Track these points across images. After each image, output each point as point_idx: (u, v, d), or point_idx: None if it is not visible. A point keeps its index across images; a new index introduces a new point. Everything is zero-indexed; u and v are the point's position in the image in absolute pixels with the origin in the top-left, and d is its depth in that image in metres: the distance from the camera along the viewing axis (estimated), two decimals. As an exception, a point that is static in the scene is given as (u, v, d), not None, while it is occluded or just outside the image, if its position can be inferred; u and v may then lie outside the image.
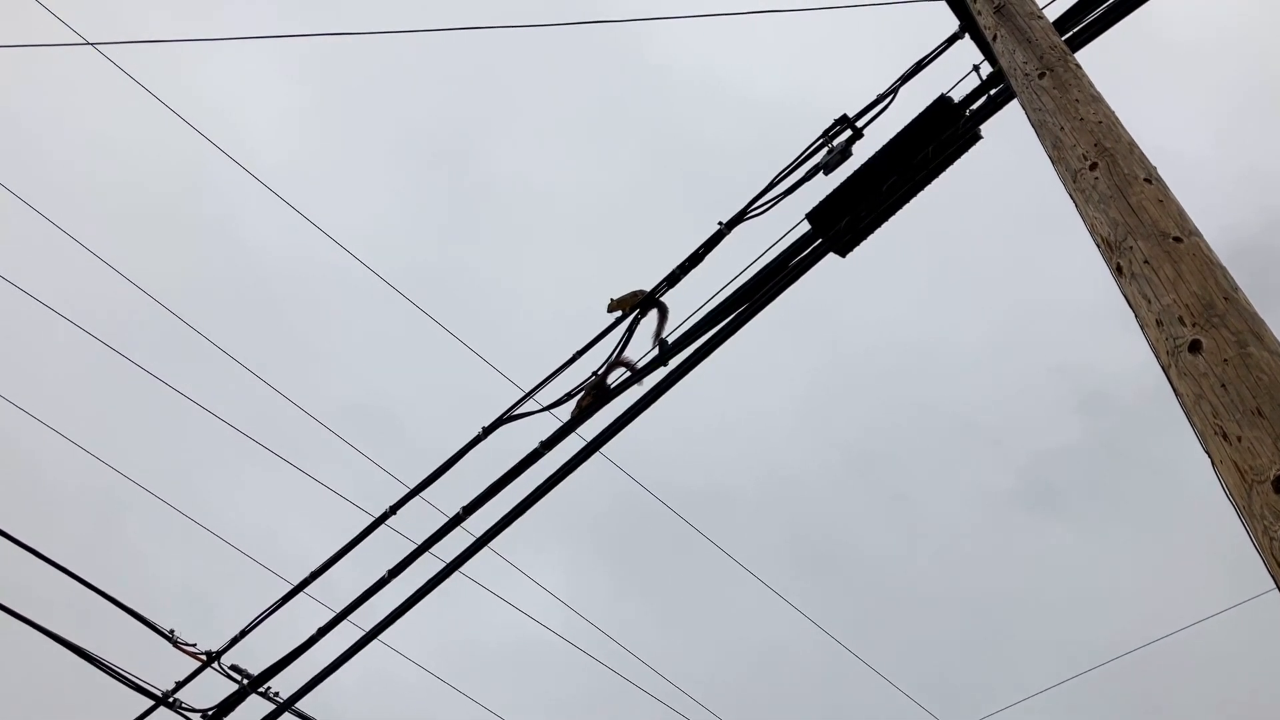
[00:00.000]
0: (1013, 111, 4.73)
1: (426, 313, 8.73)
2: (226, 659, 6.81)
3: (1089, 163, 3.13)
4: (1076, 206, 3.18)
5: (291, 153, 31.00)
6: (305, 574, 6.63)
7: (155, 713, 6.80)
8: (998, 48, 4.11)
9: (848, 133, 5.54)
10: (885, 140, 5.33)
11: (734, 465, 34.01)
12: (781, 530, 33.06)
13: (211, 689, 6.82)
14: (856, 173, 5.39)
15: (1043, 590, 30.41)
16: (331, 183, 31.34)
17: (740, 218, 5.74)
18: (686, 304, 5.86)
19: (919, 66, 5.42)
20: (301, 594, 6.68)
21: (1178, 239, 2.71)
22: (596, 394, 6.06)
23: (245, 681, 6.77)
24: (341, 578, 6.65)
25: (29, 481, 22.68)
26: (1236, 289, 2.54)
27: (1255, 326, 2.39)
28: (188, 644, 6.84)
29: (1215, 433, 2.27)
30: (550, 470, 6.05)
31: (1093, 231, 3.03)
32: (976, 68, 5.15)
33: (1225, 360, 2.32)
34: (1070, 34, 4.92)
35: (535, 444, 6.07)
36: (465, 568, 6.24)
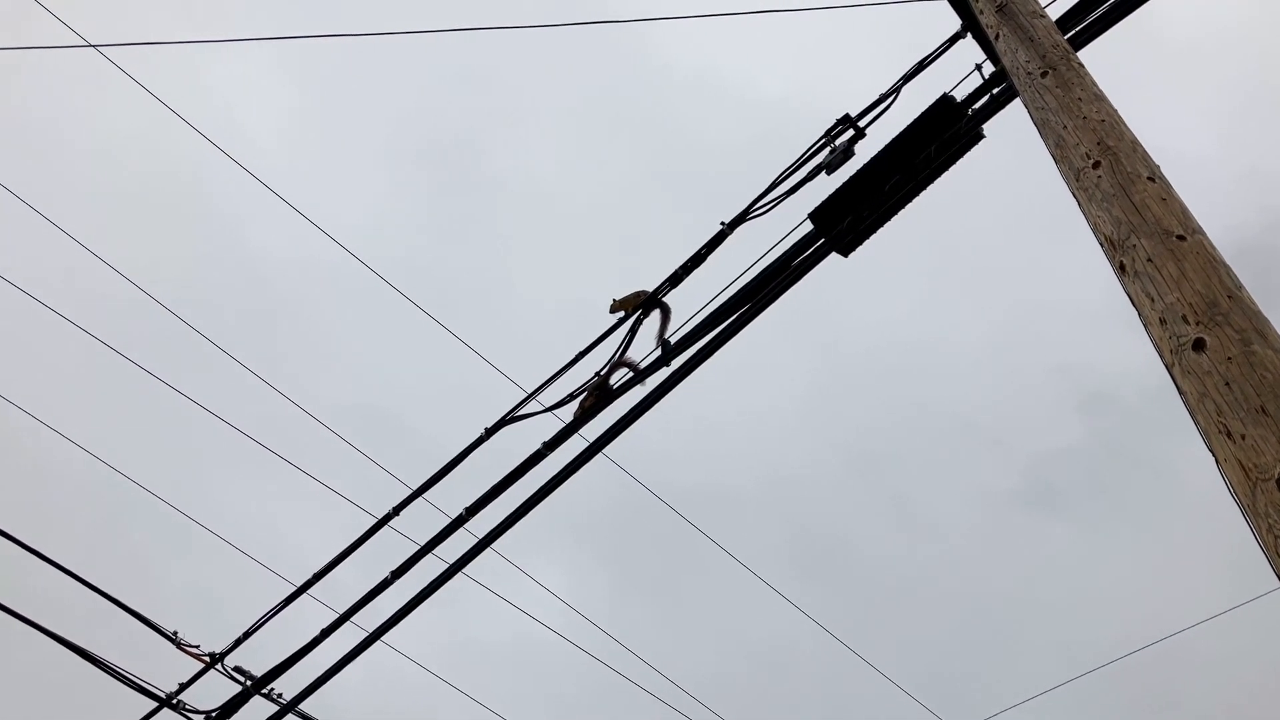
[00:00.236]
0: (1015, 110, 4.74)
1: (429, 314, 8.74)
2: (230, 660, 6.81)
3: (1092, 161, 3.12)
4: (1079, 205, 3.17)
5: (294, 153, 31.04)
6: (308, 575, 6.64)
7: (159, 714, 6.81)
8: (1000, 47, 4.11)
9: (850, 132, 5.54)
10: (888, 140, 5.33)
11: (735, 464, 34.03)
12: (783, 530, 33.07)
13: (215, 690, 6.83)
14: (859, 172, 5.39)
15: (1045, 590, 30.41)
16: (334, 183, 31.38)
17: (743, 218, 5.74)
18: (689, 304, 5.86)
19: (921, 66, 5.42)
20: (305, 595, 6.68)
21: (1181, 237, 2.71)
22: (599, 395, 6.06)
23: (249, 683, 6.77)
24: (345, 579, 6.65)
25: (32, 483, 22.70)
26: (1240, 287, 2.53)
27: (1259, 324, 2.39)
28: (191, 645, 6.85)
29: (1219, 431, 2.26)
30: (553, 471, 6.05)
31: (1096, 230, 3.02)
32: (979, 67, 5.14)
33: (1229, 358, 2.32)
34: (1072, 33, 4.92)
35: (538, 445, 6.07)
36: (468, 569, 6.25)
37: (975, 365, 33.80)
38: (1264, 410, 2.17)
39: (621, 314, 6.10)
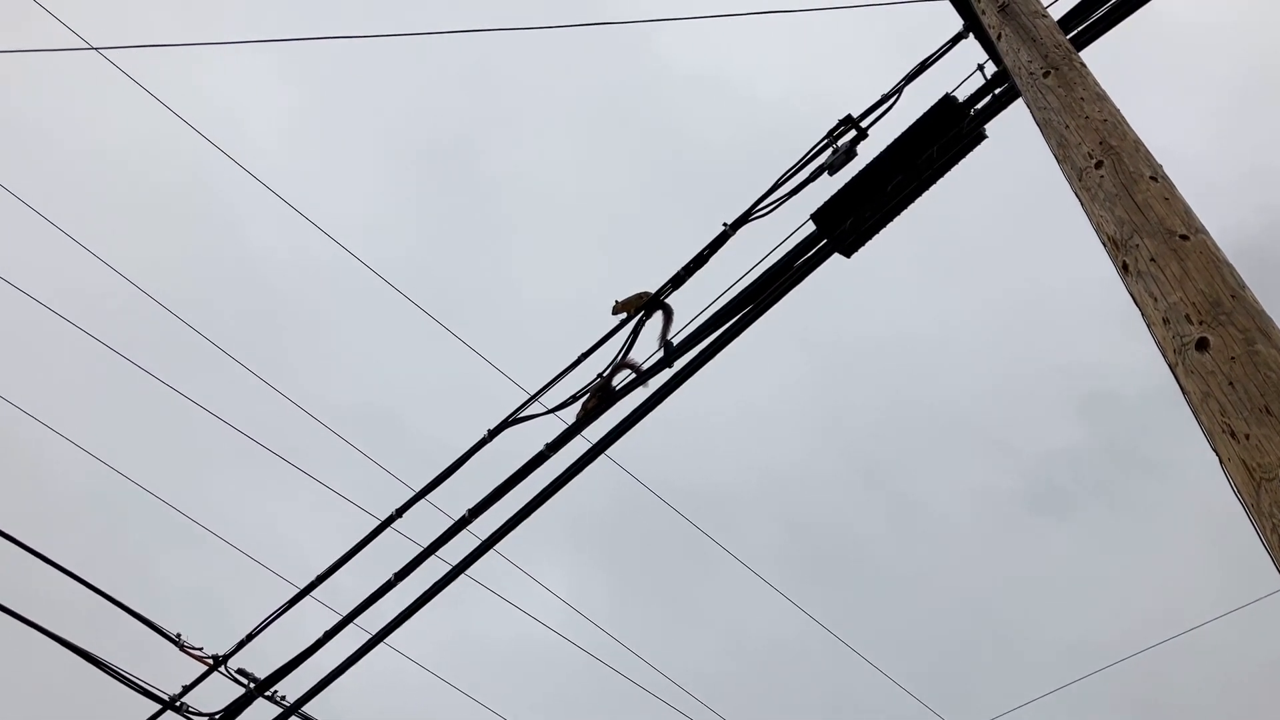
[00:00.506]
0: (1017, 110, 4.73)
1: (431, 315, 8.74)
2: (233, 662, 6.82)
3: (1094, 161, 3.12)
4: (1082, 205, 3.17)
5: (294, 154, 31.07)
6: (312, 577, 6.64)
7: (162, 716, 6.81)
8: (1002, 47, 4.10)
9: (852, 133, 5.53)
10: (890, 140, 5.33)
11: (735, 463, 34.03)
12: (784, 529, 33.05)
13: (218, 692, 6.83)
14: (861, 173, 5.38)
15: (1047, 591, 30.38)
16: (335, 184, 31.40)
17: (745, 218, 5.73)
18: (691, 305, 5.86)
19: (923, 66, 5.41)
20: (308, 597, 6.69)
21: (1184, 236, 2.70)
22: (602, 396, 6.05)
23: (252, 685, 6.77)
24: (348, 581, 6.65)
25: (35, 485, 22.73)
26: (1244, 286, 2.53)
27: (1263, 324, 2.38)
28: (194, 648, 6.85)
29: (1223, 431, 2.26)
30: (556, 472, 6.05)
31: (1098, 230, 3.02)
32: (981, 67, 5.14)
33: (1233, 358, 2.32)
34: (1074, 33, 4.91)
35: (541, 446, 6.07)
36: (471, 570, 6.24)
37: (976, 365, 33.81)
38: (1268, 410, 2.16)
39: (624, 315, 6.09)
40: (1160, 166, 3.05)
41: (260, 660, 6.78)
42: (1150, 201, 2.86)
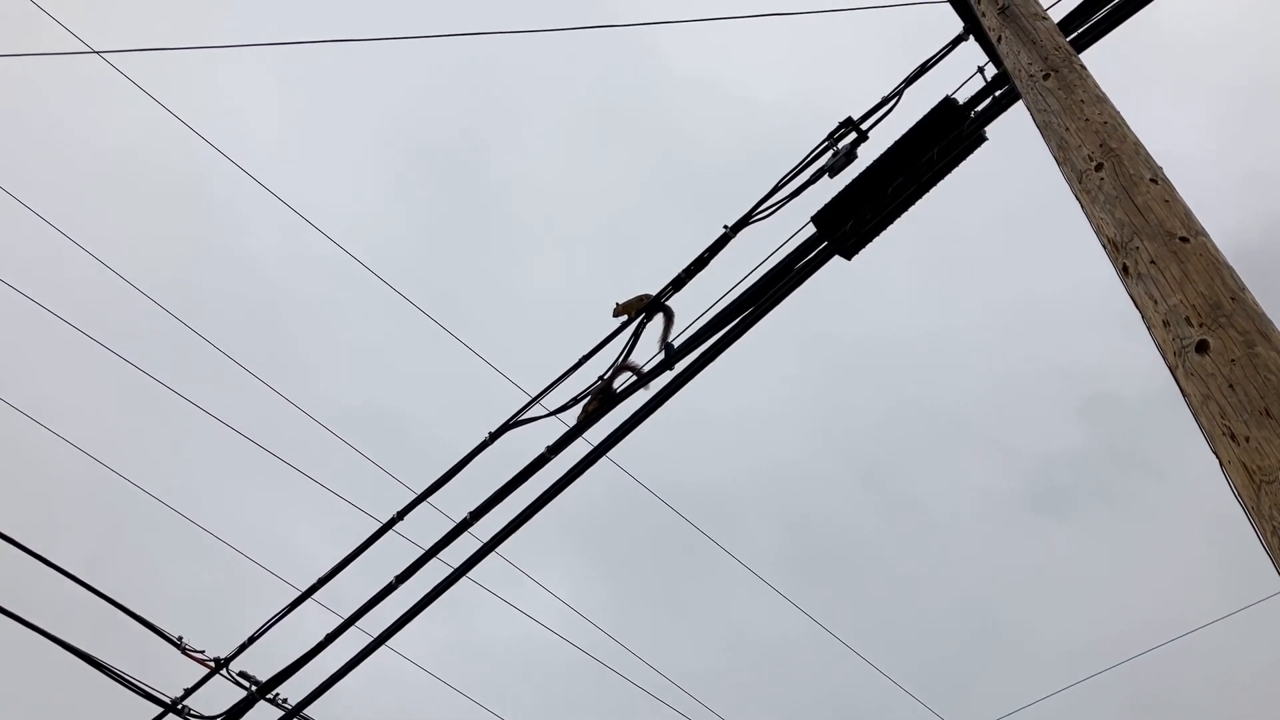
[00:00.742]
0: (1018, 113, 4.73)
1: (432, 318, 8.75)
2: (235, 665, 6.81)
3: (1094, 163, 3.12)
4: (1082, 207, 3.17)
5: (296, 157, 31.09)
6: (313, 580, 6.64)
7: (164, 719, 6.81)
8: (1002, 49, 4.11)
9: (853, 135, 5.53)
10: (890, 142, 5.33)
11: (736, 463, 34.02)
12: (785, 530, 33.05)
13: (220, 695, 6.83)
14: (861, 175, 5.38)
15: (1048, 593, 30.36)
16: (337, 188, 31.41)
17: (745, 221, 5.73)
18: (692, 308, 5.86)
19: (923, 69, 5.41)
20: (309, 600, 6.69)
21: (1184, 239, 2.71)
22: (603, 398, 6.06)
23: (254, 688, 6.77)
24: (349, 584, 6.65)
25: (36, 488, 22.73)
26: (1244, 289, 2.53)
27: (1263, 326, 2.39)
28: (196, 650, 6.85)
29: (1223, 433, 2.26)
30: (557, 475, 6.06)
31: (1098, 232, 3.02)
32: (981, 69, 5.14)
33: (1233, 360, 2.32)
34: (1075, 35, 4.92)
35: (542, 449, 6.07)
36: (472, 572, 6.25)
37: (977, 366, 33.81)
38: (1268, 412, 2.17)
39: (625, 318, 6.10)
40: (1160, 169, 3.05)
41: (262, 663, 6.79)
42: (1150, 204, 2.86)
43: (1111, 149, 3.12)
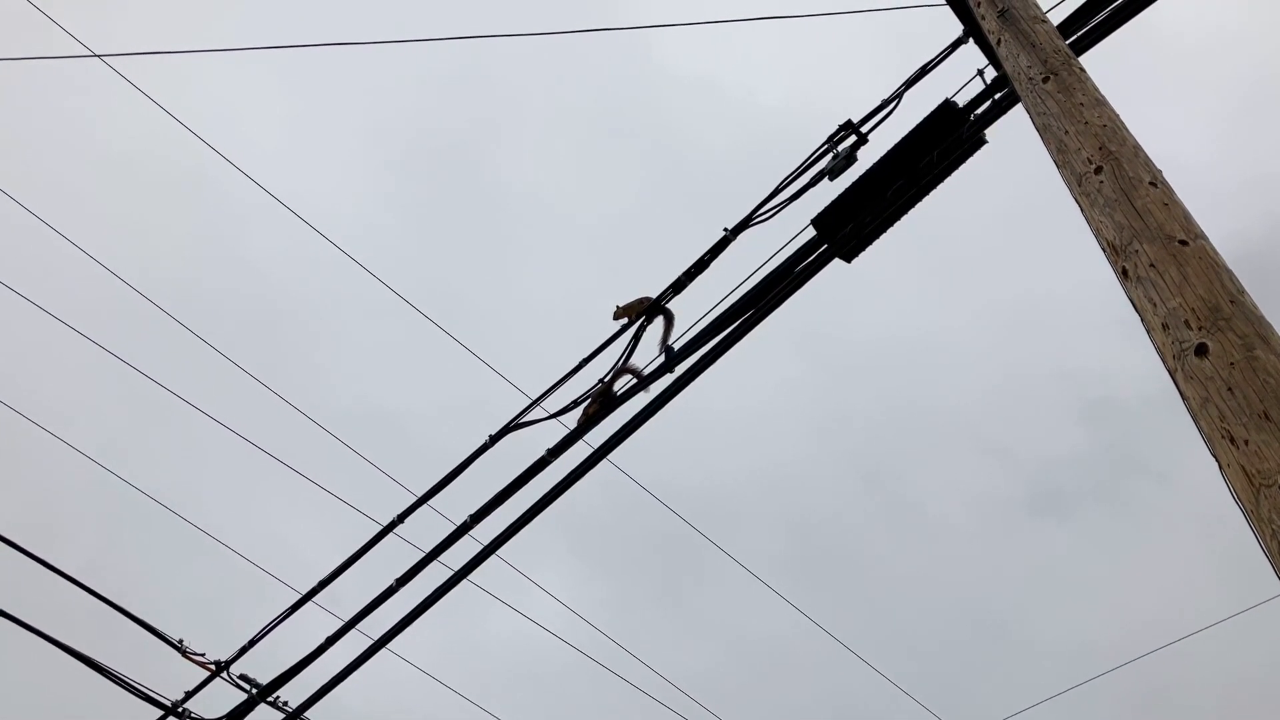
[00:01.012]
0: (1017, 115, 4.74)
1: (433, 320, 8.75)
2: (235, 668, 6.81)
3: (1094, 166, 3.13)
4: (1081, 210, 3.18)
5: (296, 161, 31.10)
6: (314, 583, 6.64)
7: (164, 722, 6.81)
8: (1001, 52, 4.11)
9: (852, 138, 5.53)
10: (890, 145, 5.33)
11: (735, 464, 34.02)
12: (785, 532, 33.05)
13: (220, 698, 6.83)
14: (861, 178, 5.39)
15: (1048, 595, 30.36)
16: (336, 190, 31.43)
17: (746, 224, 5.74)
18: (692, 311, 5.86)
19: (923, 71, 5.42)
20: (310, 603, 6.69)
21: (1184, 242, 2.71)
22: (603, 401, 6.06)
23: (254, 691, 6.77)
24: (350, 586, 6.66)
25: (37, 491, 22.73)
26: (1243, 292, 2.53)
27: (1262, 330, 2.39)
28: (197, 653, 6.85)
29: (1222, 436, 2.26)
30: (557, 478, 6.06)
31: (1098, 235, 3.03)
32: (980, 72, 5.15)
33: (1232, 364, 2.32)
34: (1074, 38, 4.92)
35: (542, 451, 6.08)
36: (472, 575, 6.25)
37: (977, 369, 33.81)
38: (1267, 416, 2.17)
39: (625, 321, 6.10)
40: (1160, 172, 3.06)
41: (263, 666, 6.79)
42: (1150, 207, 2.86)
43: (1111, 152, 3.13)
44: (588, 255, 35.95)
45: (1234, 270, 2.62)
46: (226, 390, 9.86)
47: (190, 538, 9.53)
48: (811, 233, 5.51)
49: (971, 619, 31.19)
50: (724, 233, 5.78)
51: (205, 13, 26.51)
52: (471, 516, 6.15)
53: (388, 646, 6.44)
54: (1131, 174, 3.02)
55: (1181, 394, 2.49)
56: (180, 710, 6.80)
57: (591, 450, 6.00)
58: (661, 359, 5.92)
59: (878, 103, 5.50)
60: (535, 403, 6.20)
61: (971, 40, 5.20)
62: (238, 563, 9.27)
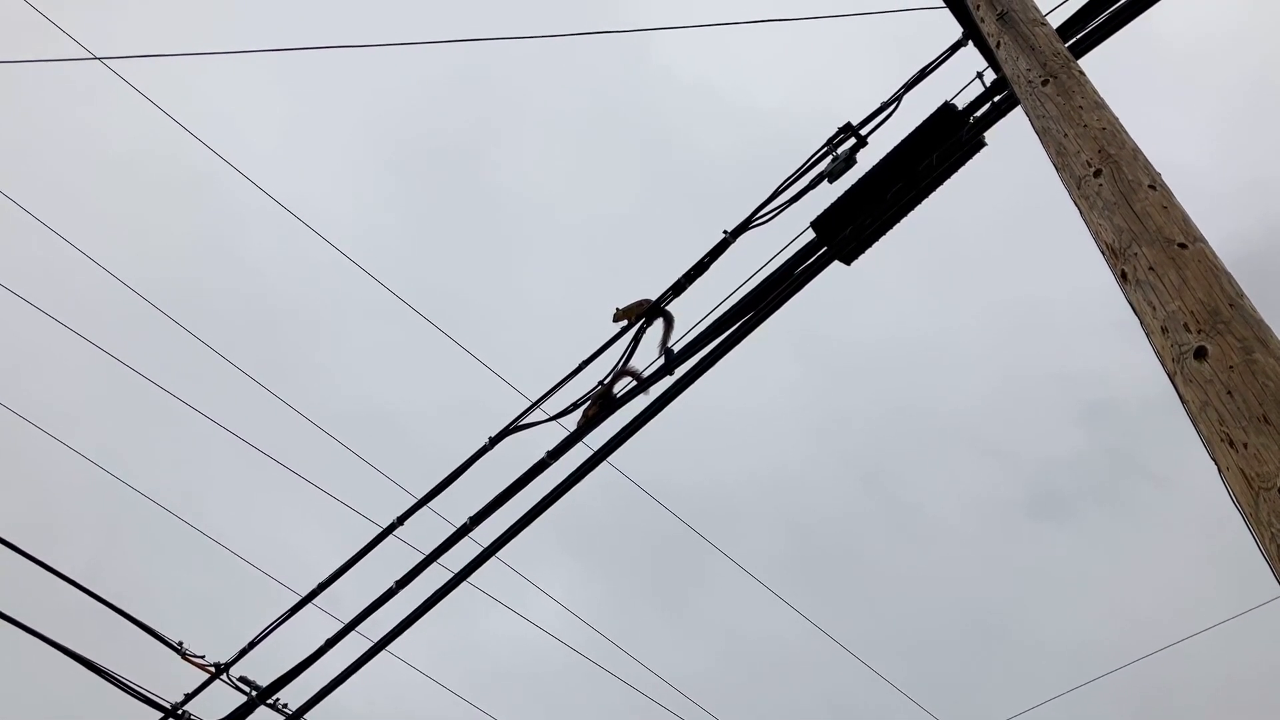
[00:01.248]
0: (1016, 118, 4.74)
1: (433, 323, 8.75)
2: (235, 671, 6.82)
3: (1093, 169, 3.13)
4: (1080, 213, 3.18)
5: (295, 163, 31.09)
6: (313, 585, 6.64)
7: (164, 724, 6.81)
8: (1001, 55, 4.12)
9: (852, 140, 5.54)
10: (889, 148, 5.34)
11: (736, 468, 34.01)
12: (784, 534, 33.04)
13: (220, 700, 6.83)
14: (861, 180, 5.39)
15: (1047, 597, 30.35)
16: (335, 193, 31.44)
17: (745, 226, 5.74)
18: (692, 313, 5.86)
19: (923, 74, 5.42)
20: (310, 605, 6.69)
21: (1183, 245, 2.71)
22: (603, 403, 6.06)
23: (254, 693, 6.77)
24: (349, 589, 6.66)
25: (37, 494, 22.73)
26: (1242, 295, 2.53)
27: (1261, 333, 2.39)
28: (196, 656, 6.85)
29: (1222, 440, 2.27)
30: (557, 480, 6.06)
31: (1097, 238, 3.03)
32: (980, 75, 5.15)
33: (1231, 367, 2.32)
34: (1073, 40, 4.93)
35: (542, 454, 6.08)
36: (472, 577, 6.25)
37: (976, 372, 33.81)
38: (1266, 419, 2.17)
39: (624, 323, 6.10)
40: (1159, 175, 3.06)
41: (262, 668, 6.79)
42: (1149, 210, 2.87)
43: (1110, 155, 3.13)
44: (587, 257, 35.98)
45: (1233, 273, 2.62)
46: (226, 392, 9.86)
47: (190, 540, 9.53)
48: (811, 235, 5.51)
49: (971, 620, 31.20)
50: (724, 235, 5.78)
51: (205, 15, 26.53)
52: (471, 519, 6.16)
53: (388, 648, 6.44)
54: (1131, 177, 3.02)
55: (1181, 397, 2.49)
56: (180, 712, 6.80)
57: (591, 452, 6.00)
58: (661, 361, 5.92)
59: (877, 105, 5.51)
60: (535, 405, 6.20)
61: (971, 43, 5.20)
62: (237, 565, 9.28)
